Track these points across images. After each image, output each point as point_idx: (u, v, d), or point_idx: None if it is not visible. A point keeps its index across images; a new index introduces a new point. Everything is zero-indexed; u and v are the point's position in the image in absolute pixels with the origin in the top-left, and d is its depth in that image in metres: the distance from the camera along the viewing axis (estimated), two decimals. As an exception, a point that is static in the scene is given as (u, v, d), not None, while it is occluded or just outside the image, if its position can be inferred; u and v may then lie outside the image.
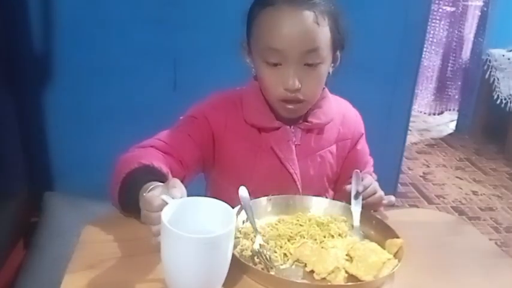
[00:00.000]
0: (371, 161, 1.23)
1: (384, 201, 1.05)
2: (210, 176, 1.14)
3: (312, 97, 1.04)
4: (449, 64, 4.01)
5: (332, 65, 1.05)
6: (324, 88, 1.08)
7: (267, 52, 0.98)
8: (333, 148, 1.13)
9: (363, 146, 1.20)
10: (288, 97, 0.99)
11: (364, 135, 1.20)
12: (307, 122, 1.08)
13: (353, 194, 1.00)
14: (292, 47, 0.95)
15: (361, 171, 1.18)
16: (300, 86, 0.97)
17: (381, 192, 1.05)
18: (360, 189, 1.00)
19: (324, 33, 0.97)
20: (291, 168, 1.06)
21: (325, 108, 1.10)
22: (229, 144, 1.07)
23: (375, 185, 1.05)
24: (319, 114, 1.09)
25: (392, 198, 1.06)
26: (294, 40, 0.95)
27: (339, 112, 1.14)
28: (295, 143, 1.08)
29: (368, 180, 1.03)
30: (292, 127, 1.07)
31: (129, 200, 0.86)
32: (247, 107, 1.07)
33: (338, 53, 1.05)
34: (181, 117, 1.08)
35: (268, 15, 0.97)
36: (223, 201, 0.76)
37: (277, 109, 1.04)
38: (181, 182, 0.77)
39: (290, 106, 1.01)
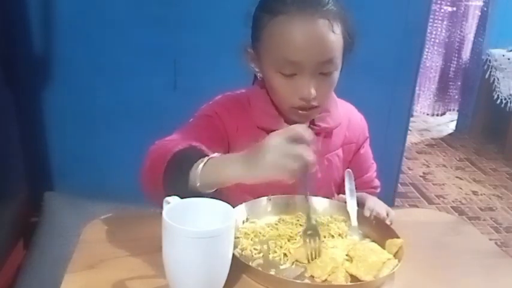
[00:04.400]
0: (374, 166, 1.22)
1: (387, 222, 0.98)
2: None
3: (325, 103, 1.04)
4: (452, 65, 4.01)
5: (343, 64, 1.03)
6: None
7: (282, 63, 0.95)
8: (340, 152, 1.12)
9: (366, 150, 1.19)
10: (303, 106, 0.98)
11: (368, 140, 1.19)
12: (315, 125, 1.07)
13: (347, 193, 1.00)
14: (309, 59, 0.93)
15: (363, 176, 1.18)
16: (315, 95, 0.96)
17: (383, 215, 0.99)
18: (367, 213, 0.97)
19: (338, 41, 0.96)
20: None
21: (333, 112, 1.09)
22: (240, 146, 1.04)
23: (375, 206, 1.00)
24: (327, 119, 1.08)
25: (391, 216, 1.00)
26: (310, 51, 0.93)
27: (345, 116, 1.14)
28: None
29: (370, 203, 1.00)
30: None
31: (177, 183, 0.81)
32: (256, 110, 1.06)
33: (347, 56, 1.02)
34: (195, 115, 1.06)
35: (281, 25, 0.94)
36: (224, 201, 0.76)
37: (289, 115, 1.02)
38: None
39: (303, 112, 0.99)
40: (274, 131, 1.01)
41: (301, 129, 0.75)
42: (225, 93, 1.11)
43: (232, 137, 1.05)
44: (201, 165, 0.79)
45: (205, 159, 0.80)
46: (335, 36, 0.94)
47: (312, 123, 1.07)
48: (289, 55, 0.94)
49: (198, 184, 0.80)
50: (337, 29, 0.94)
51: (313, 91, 0.95)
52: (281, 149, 0.73)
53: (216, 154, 0.83)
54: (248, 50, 1.03)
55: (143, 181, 0.89)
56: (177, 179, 0.82)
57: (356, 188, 1.03)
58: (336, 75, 1.00)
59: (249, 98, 1.08)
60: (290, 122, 1.05)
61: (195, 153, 0.83)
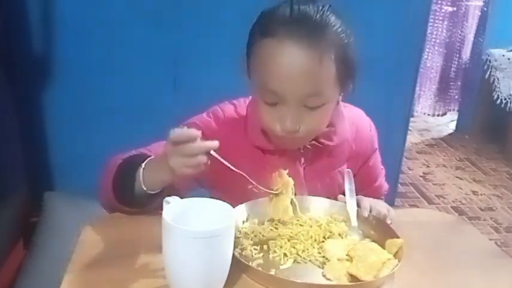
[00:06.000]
0: (382, 173, 1.18)
1: (388, 221, 0.97)
2: (213, 194, 1.03)
3: (314, 134, 0.97)
4: (452, 65, 4.01)
5: (342, 93, 0.96)
6: (337, 103, 0.99)
7: (264, 91, 0.89)
8: (344, 168, 1.06)
9: (375, 161, 1.14)
10: (287, 136, 0.92)
11: (377, 150, 1.14)
12: (318, 142, 1.01)
13: (347, 193, 1.00)
14: (290, 91, 0.86)
15: (372, 185, 1.15)
16: (298, 128, 0.89)
17: (384, 212, 0.98)
18: (365, 214, 0.96)
19: (328, 73, 0.87)
20: (299, 192, 0.97)
21: (339, 128, 1.02)
22: (233, 165, 1.01)
23: (376, 206, 0.99)
24: (331, 135, 1.02)
25: (392, 214, 0.99)
26: (292, 83, 0.85)
27: (352, 126, 1.07)
28: (304, 165, 1.02)
29: (365, 204, 0.98)
30: (301, 148, 1.01)
31: (125, 186, 0.87)
32: (251, 128, 1.00)
33: (348, 82, 0.94)
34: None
35: (266, 48, 0.87)
36: (223, 201, 0.76)
37: (275, 139, 0.96)
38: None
39: (289, 138, 0.93)
40: (271, 150, 1.00)
41: (176, 132, 0.78)
42: (222, 103, 1.06)
43: (219, 155, 0.98)
44: (141, 170, 0.85)
45: (143, 164, 0.85)
46: (324, 68, 0.85)
47: (316, 140, 1.00)
48: (270, 84, 0.87)
49: (143, 187, 0.85)
50: (328, 59, 0.85)
51: (296, 124, 0.89)
52: (172, 154, 0.78)
53: (152, 157, 0.87)
54: (244, 63, 0.96)
55: (99, 193, 0.95)
56: (125, 184, 0.87)
57: (361, 194, 1.02)
58: (327, 108, 0.91)
59: (244, 113, 1.02)
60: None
61: (140, 159, 0.87)
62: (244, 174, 0.85)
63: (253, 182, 0.86)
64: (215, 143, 0.79)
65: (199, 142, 0.78)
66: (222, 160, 0.81)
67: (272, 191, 0.91)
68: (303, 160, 1.03)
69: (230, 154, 0.95)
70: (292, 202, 0.92)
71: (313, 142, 1.01)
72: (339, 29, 0.88)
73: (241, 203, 0.95)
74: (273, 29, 0.86)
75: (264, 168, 0.94)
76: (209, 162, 0.80)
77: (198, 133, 0.78)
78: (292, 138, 0.93)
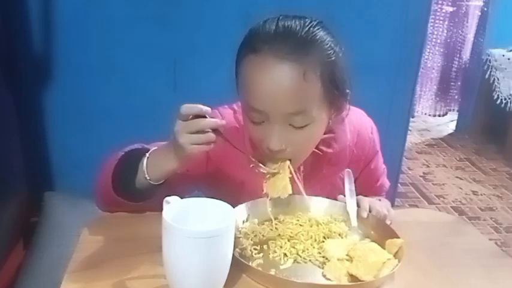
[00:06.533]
0: (384, 172, 1.18)
1: (388, 221, 0.97)
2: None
3: (303, 155, 0.94)
4: (453, 65, 4.02)
5: (334, 114, 0.93)
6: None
7: (248, 110, 0.87)
8: (344, 172, 1.04)
9: (377, 163, 1.13)
10: (274, 154, 0.89)
11: (378, 153, 1.13)
12: (317, 149, 0.99)
13: (347, 193, 1.00)
14: (274, 109, 0.83)
15: (374, 186, 1.16)
16: (284, 147, 0.87)
17: (384, 213, 0.98)
18: (364, 215, 0.95)
19: (313, 91, 0.84)
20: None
21: (339, 134, 1.01)
22: (231, 173, 0.99)
23: (375, 206, 0.98)
24: (331, 142, 1.00)
25: (391, 215, 0.99)
26: (275, 101, 0.83)
27: (353, 130, 1.05)
28: (303, 172, 1.01)
29: (365, 204, 0.97)
30: None
31: (126, 177, 0.88)
32: (248, 138, 0.97)
33: (340, 101, 0.91)
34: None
35: (250, 65, 0.85)
36: (224, 201, 0.76)
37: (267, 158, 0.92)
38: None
39: (279, 157, 0.90)
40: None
41: (185, 107, 0.80)
42: (221, 107, 1.04)
43: (217, 161, 0.99)
44: (145, 159, 0.86)
45: (147, 154, 0.86)
46: (308, 86, 0.83)
47: (316, 147, 0.98)
48: (254, 103, 0.85)
49: (147, 176, 0.86)
50: (313, 77, 0.83)
51: (281, 144, 0.86)
52: (182, 130, 0.80)
53: (155, 148, 0.88)
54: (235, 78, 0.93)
55: (96, 189, 0.95)
56: (126, 175, 0.87)
57: (363, 194, 1.02)
58: (314, 128, 0.88)
59: (243, 122, 0.99)
60: None
61: (143, 150, 0.89)
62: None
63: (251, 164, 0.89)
64: (223, 121, 0.82)
65: (208, 118, 0.80)
66: (227, 140, 0.84)
67: (272, 170, 0.91)
68: (302, 168, 1.01)
69: (228, 162, 0.97)
70: (291, 180, 0.91)
71: (313, 149, 0.99)
72: (326, 46, 0.85)
73: (241, 203, 0.95)
74: (256, 46, 0.84)
75: (262, 176, 0.93)
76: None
77: (208, 109, 0.81)
78: (281, 158, 0.90)
